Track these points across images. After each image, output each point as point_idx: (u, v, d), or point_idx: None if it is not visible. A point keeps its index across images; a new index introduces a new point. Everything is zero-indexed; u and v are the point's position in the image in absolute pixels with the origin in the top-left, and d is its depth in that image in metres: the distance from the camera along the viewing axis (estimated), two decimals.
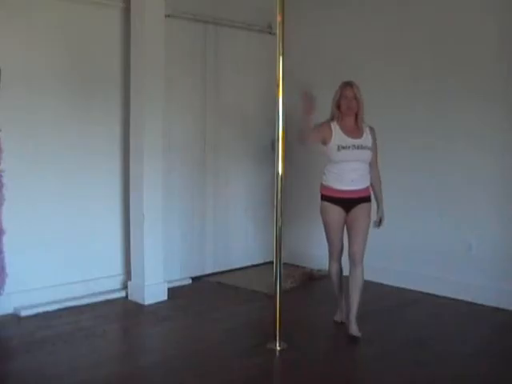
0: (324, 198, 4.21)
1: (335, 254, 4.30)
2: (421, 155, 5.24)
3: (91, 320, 4.47)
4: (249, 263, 6.04)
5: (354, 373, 3.67)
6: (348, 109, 4.07)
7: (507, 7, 4.71)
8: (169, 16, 5.04)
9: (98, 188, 4.99)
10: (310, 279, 5.62)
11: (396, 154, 5.40)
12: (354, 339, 4.04)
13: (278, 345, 3.93)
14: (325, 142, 4.11)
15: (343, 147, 4.04)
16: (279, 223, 3.91)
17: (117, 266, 5.14)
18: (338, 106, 4.10)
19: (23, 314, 4.47)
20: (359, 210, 4.12)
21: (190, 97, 5.53)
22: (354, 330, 4.07)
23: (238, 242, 6.00)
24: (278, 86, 3.87)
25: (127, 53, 4.94)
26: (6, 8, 4.38)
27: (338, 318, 4.43)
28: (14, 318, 4.44)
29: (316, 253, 5.88)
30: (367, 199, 4.17)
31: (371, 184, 4.21)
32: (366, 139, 4.12)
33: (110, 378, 3.54)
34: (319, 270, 5.76)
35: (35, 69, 4.57)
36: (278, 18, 3.87)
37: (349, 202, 4.11)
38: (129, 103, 4.93)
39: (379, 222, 4.28)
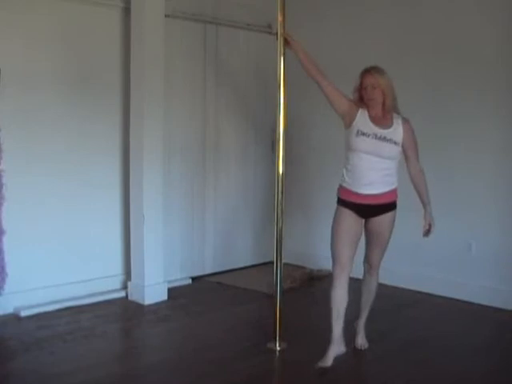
0: (340, 201, 3.65)
1: (340, 275, 3.58)
2: (420, 155, 5.22)
3: (91, 320, 4.46)
4: (249, 263, 6.04)
5: (355, 373, 3.67)
6: (369, 100, 3.56)
7: (507, 7, 4.71)
8: (168, 16, 5.04)
9: (98, 188, 4.98)
10: (310, 279, 5.62)
11: None
12: (359, 353, 3.86)
13: (277, 345, 3.93)
14: (346, 122, 3.61)
15: (363, 133, 3.51)
16: (279, 223, 3.90)
17: (117, 266, 5.14)
18: (361, 97, 3.62)
19: (23, 313, 4.46)
20: (383, 222, 3.64)
21: (190, 97, 5.53)
22: (361, 342, 3.92)
23: (237, 241, 6.00)
24: (279, 86, 3.86)
25: (127, 53, 4.94)
26: (6, 8, 4.38)
27: (325, 362, 3.63)
28: (14, 318, 4.43)
29: (316, 253, 5.88)
30: (392, 206, 3.67)
31: (414, 183, 3.71)
32: (395, 132, 3.57)
33: (110, 378, 3.54)
34: (319, 270, 5.76)
35: (35, 69, 4.57)
36: (279, 18, 3.86)
37: (368, 209, 3.60)
38: (129, 103, 4.93)
39: (428, 230, 3.71)
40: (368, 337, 4.01)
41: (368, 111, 3.60)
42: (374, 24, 5.47)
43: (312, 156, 6.00)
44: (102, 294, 4.93)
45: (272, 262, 4.01)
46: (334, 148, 5.83)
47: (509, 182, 4.77)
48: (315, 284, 5.56)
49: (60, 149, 4.75)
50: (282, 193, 3.89)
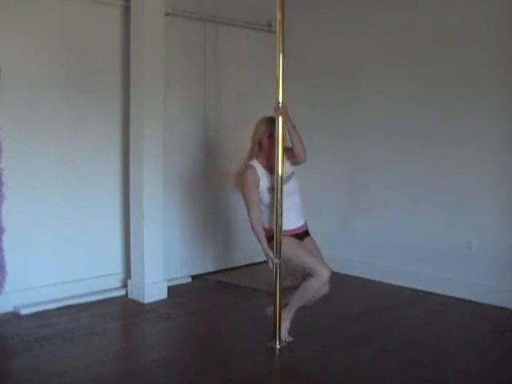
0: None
1: None
2: (421, 153, 5.24)
3: (91, 318, 4.47)
4: (249, 261, 6.04)
5: (354, 372, 3.67)
6: (272, 146, 3.85)
7: (506, 9, 4.70)
8: (168, 14, 5.04)
9: (98, 187, 4.99)
10: None
11: (396, 152, 5.40)
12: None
13: (278, 343, 3.93)
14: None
15: (270, 188, 3.90)
16: (279, 222, 3.90)
17: (117, 265, 5.15)
18: (260, 143, 3.94)
19: (23, 312, 4.47)
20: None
21: (189, 95, 5.52)
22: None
23: (238, 240, 5.99)
24: (278, 85, 3.85)
25: (127, 51, 4.94)
26: (6, 7, 4.37)
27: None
28: (14, 317, 4.44)
29: None
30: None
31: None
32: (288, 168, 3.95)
33: (110, 377, 3.55)
34: None
35: (35, 68, 4.57)
36: (278, 16, 3.86)
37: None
38: (129, 102, 4.93)
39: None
40: (368, 336, 4.00)
41: (261, 160, 3.93)
42: (374, 23, 5.47)
43: (312, 154, 5.99)
44: (102, 292, 4.94)
45: None
46: (334, 146, 5.84)
47: (509, 179, 4.76)
48: None
49: (60, 147, 4.75)
50: (282, 192, 3.88)
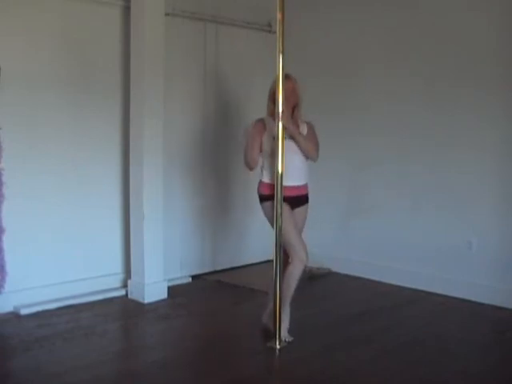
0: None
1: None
2: (421, 153, 5.24)
3: (91, 318, 4.47)
4: (249, 262, 6.04)
5: (354, 372, 3.67)
6: (287, 102, 3.95)
7: (506, 9, 4.70)
8: (168, 14, 5.04)
9: (98, 187, 4.99)
10: (310, 278, 5.62)
11: (396, 152, 5.40)
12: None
13: (277, 343, 3.93)
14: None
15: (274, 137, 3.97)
16: (279, 222, 3.90)
17: (117, 265, 5.15)
18: (274, 102, 3.96)
19: (23, 312, 4.47)
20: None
21: (189, 95, 5.53)
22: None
23: (237, 240, 6.00)
24: (278, 85, 3.85)
25: (127, 52, 4.94)
26: (6, 7, 4.37)
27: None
28: (14, 317, 4.44)
29: (316, 251, 5.87)
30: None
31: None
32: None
33: (110, 377, 3.54)
34: (319, 269, 5.77)
35: (35, 67, 4.57)
36: (279, 16, 3.86)
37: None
38: (129, 102, 4.93)
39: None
40: (368, 336, 3.99)
41: (274, 117, 3.93)
42: (374, 23, 5.47)
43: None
44: (102, 292, 4.94)
45: (272, 261, 4.00)
46: (334, 146, 5.84)
47: (509, 179, 4.76)
48: (315, 283, 5.56)
49: (60, 147, 4.75)
50: (282, 191, 3.88)
